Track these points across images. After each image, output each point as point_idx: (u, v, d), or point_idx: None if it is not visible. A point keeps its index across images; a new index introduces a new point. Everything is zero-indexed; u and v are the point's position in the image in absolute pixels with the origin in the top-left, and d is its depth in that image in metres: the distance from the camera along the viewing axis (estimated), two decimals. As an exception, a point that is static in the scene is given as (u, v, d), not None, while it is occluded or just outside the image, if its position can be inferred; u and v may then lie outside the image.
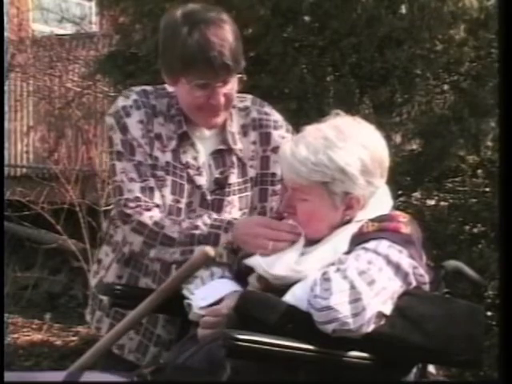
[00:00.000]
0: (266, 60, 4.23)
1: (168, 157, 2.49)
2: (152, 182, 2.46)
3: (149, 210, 2.44)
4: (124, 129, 2.48)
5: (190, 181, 2.50)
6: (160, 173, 2.47)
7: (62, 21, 8.05)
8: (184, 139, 2.50)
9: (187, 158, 2.50)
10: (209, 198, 2.51)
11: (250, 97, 2.61)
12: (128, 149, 2.47)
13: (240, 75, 2.46)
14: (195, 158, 2.51)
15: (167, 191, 2.47)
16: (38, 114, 8.16)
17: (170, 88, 2.52)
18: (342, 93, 4.13)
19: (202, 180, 2.51)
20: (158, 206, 2.45)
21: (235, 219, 2.45)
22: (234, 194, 2.53)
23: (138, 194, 2.44)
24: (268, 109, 2.61)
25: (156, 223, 2.42)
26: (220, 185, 2.52)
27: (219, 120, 2.49)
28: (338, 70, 4.27)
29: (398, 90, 4.26)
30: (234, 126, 2.55)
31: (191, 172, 2.50)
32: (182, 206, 2.48)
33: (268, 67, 4.21)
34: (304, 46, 4.33)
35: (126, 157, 2.47)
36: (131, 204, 2.44)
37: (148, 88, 2.56)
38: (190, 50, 2.37)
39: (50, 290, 7.40)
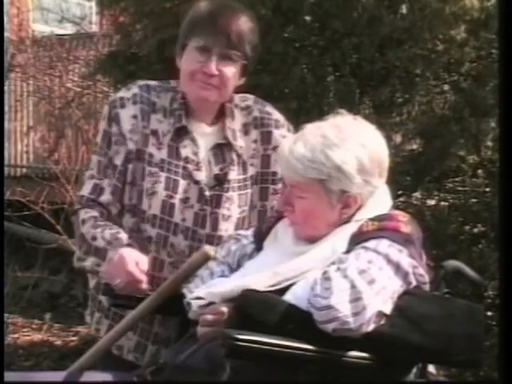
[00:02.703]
0: (267, 60, 4.22)
1: (163, 153, 2.50)
2: (105, 182, 2.50)
3: (90, 207, 2.50)
4: (112, 119, 2.52)
5: (188, 176, 2.51)
6: (154, 169, 2.49)
7: (62, 21, 8.05)
8: (182, 133, 2.51)
9: (187, 152, 2.51)
10: (207, 193, 2.51)
11: (251, 97, 2.63)
12: (106, 142, 2.52)
13: (245, 62, 2.48)
14: (195, 153, 2.52)
15: (160, 187, 2.49)
16: (38, 114, 8.16)
17: (174, 83, 2.55)
18: (343, 93, 4.12)
19: (201, 175, 2.51)
20: (101, 204, 2.50)
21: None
22: (233, 191, 2.54)
23: (87, 192, 2.52)
24: (270, 108, 2.63)
25: (83, 220, 2.49)
26: (219, 181, 2.53)
27: (209, 94, 2.49)
28: (338, 70, 4.26)
29: (398, 89, 4.26)
30: (235, 124, 2.57)
31: (190, 167, 2.51)
32: (176, 201, 2.49)
33: (269, 67, 4.20)
34: (305, 46, 4.32)
35: (101, 150, 2.53)
36: (79, 201, 2.54)
37: (152, 83, 2.59)
38: (200, 12, 2.48)
39: (50, 290, 7.38)
